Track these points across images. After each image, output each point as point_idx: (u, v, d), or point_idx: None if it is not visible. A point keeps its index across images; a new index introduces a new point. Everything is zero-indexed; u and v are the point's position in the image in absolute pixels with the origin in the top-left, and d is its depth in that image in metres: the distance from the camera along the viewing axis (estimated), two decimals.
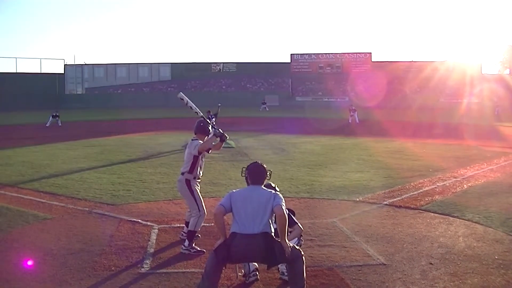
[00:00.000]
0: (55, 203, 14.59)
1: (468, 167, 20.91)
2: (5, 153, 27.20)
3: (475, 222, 12.21)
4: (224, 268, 7.69)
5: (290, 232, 8.56)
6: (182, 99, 11.31)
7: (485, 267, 9.04)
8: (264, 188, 8.01)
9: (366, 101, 78.55)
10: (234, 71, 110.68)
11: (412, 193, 15.65)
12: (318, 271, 8.88)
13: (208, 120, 11.01)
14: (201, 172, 10.75)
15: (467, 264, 9.20)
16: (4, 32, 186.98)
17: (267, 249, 7.41)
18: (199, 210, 10.27)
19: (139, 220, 12.40)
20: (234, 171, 19.34)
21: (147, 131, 40.67)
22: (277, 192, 7.91)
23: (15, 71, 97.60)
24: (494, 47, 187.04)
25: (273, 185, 8.78)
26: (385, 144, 30.73)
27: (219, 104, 33.82)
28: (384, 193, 15.73)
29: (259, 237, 7.43)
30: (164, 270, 9.01)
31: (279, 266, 8.44)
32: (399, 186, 16.77)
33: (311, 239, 10.60)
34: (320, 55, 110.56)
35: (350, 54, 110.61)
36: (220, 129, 10.51)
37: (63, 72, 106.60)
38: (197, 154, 10.32)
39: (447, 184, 17.22)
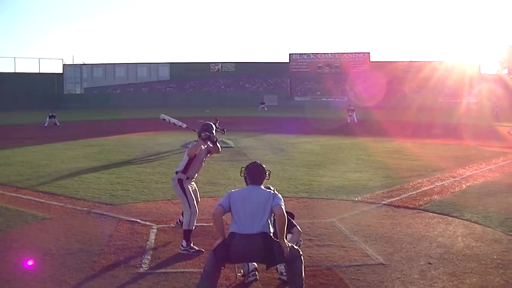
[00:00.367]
0: (54, 203, 14.60)
1: (466, 167, 20.92)
2: (4, 153, 27.19)
3: (474, 222, 12.22)
4: (223, 268, 7.69)
5: (290, 235, 8.58)
6: (164, 119, 11.66)
7: (483, 267, 9.05)
8: (263, 188, 8.02)
9: (364, 101, 78.63)
10: (232, 71, 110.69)
11: (410, 193, 15.66)
12: (317, 271, 8.89)
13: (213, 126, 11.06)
14: (195, 174, 10.80)
15: (466, 264, 9.20)
16: (3, 32, 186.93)
17: (266, 249, 7.43)
18: (190, 208, 10.29)
19: (138, 220, 12.40)
20: (233, 171, 19.35)
21: (146, 131, 40.64)
22: (276, 193, 7.89)
23: (13, 71, 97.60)
24: (492, 47, 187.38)
25: (271, 188, 8.78)
26: (383, 144, 30.74)
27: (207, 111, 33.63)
28: (383, 193, 15.75)
29: (258, 237, 7.44)
30: (163, 270, 9.01)
31: (277, 266, 8.45)
32: (398, 186, 16.78)
33: (310, 239, 10.60)
34: (318, 55, 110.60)
35: (348, 54, 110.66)
36: (213, 133, 10.52)
37: (61, 72, 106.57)
38: (188, 156, 10.40)
39: (446, 184, 17.23)
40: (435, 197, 15.09)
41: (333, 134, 37.16)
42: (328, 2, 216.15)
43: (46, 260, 9.55)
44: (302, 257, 7.66)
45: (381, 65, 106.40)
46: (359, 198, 14.99)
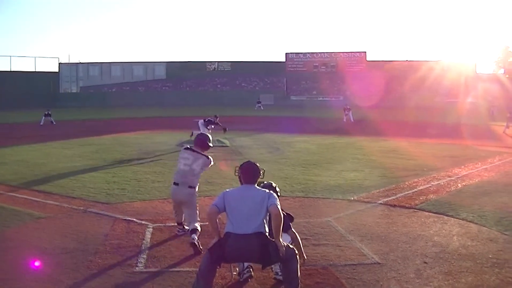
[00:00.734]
0: (49, 202, 14.58)
1: (462, 167, 20.94)
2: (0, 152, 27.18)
3: (470, 221, 12.24)
4: (218, 267, 7.69)
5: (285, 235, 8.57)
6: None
7: (479, 266, 9.07)
8: (258, 187, 8.03)
9: (361, 100, 78.59)
10: (229, 70, 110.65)
11: (406, 192, 15.67)
12: (313, 270, 8.90)
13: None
14: None
15: (461, 263, 9.22)
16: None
17: (262, 249, 7.39)
18: (197, 218, 10.65)
19: (134, 219, 12.40)
20: (229, 170, 19.31)
21: (142, 130, 40.59)
22: (271, 192, 7.88)
23: (9, 70, 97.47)
24: (488, 47, 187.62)
25: (274, 185, 8.80)
26: (379, 143, 30.74)
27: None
28: (379, 192, 15.75)
29: (253, 237, 7.41)
30: (159, 269, 9.02)
31: (273, 265, 8.46)
32: (394, 185, 16.79)
33: (306, 238, 10.58)
34: (315, 54, 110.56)
35: (345, 53, 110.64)
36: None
37: (57, 71, 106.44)
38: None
39: (442, 183, 17.24)
40: (431, 196, 15.11)
41: (329, 134, 37.08)
42: (324, 1, 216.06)
43: (42, 259, 9.54)
44: (297, 256, 7.67)
45: (378, 65, 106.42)
46: (355, 197, 15.00)
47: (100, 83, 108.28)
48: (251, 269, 8.51)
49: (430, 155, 25.12)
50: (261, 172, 8.22)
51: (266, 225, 7.63)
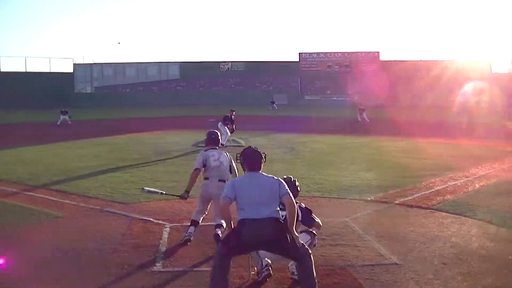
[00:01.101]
0: (66, 201, 14.65)
1: (479, 167, 20.83)
2: (16, 152, 27.29)
3: (488, 222, 12.17)
4: (232, 262, 7.65)
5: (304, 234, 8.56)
6: (150, 191, 11.90)
7: (498, 267, 9.01)
8: (264, 174, 7.94)
9: (374, 100, 78.31)
10: (242, 70, 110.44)
11: (423, 193, 15.60)
12: (330, 270, 8.88)
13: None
14: None
15: (480, 264, 9.17)
16: (14, 31, 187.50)
17: (277, 234, 7.36)
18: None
19: (151, 219, 12.42)
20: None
21: (157, 130, 40.58)
22: (280, 179, 7.82)
23: (24, 70, 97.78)
24: (503, 45, 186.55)
25: (293, 179, 8.80)
26: (395, 143, 30.65)
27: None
28: (396, 192, 15.70)
29: (267, 221, 7.37)
30: (176, 269, 9.03)
31: (289, 265, 8.45)
32: (411, 186, 16.71)
33: (323, 238, 10.55)
34: (328, 53, 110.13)
35: (358, 53, 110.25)
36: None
37: (72, 71, 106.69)
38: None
39: (459, 184, 17.16)
40: (448, 196, 15.04)
41: (343, 133, 37.02)
42: (338, 1, 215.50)
43: (59, 258, 9.58)
44: (311, 256, 7.63)
45: (391, 64, 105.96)
46: (372, 198, 14.96)
47: (115, 83, 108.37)
48: (270, 268, 8.47)
49: (447, 155, 25.00)
50: (263, 156, 8.13)
51: (280, 213, 7.60)
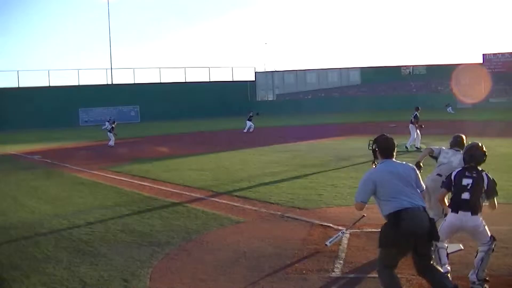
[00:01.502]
0: (248, 207, 15.00)
1: None
2: (200, 159, 28.38)
3: None
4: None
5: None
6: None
7: None
8: (397, 161, 7.76)
9: None
10: (424, 73, 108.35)
11: None
12: None
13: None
14: None
15: None
16: (197, 44, 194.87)
17: (431, 223, 7.15)
18: None
19: (331, 225, 12.42)
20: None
21: (338, 136, 40.57)
22: (414, 167, 7.77)
23: (208, 80, 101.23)
24: None
25: (490, 176, 8.46)
26: None
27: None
28: None
29: (423, 210, 7.19)
30: (355, 275, 8.96)
31: (469, 275, 8.14)
32: None
33: (508, 247, 10.09)
34: None
35: None
36: None
37: (254, 80, 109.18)
38: None
39: None
40: None
41: None
42: None
43: (240, 262, 9.83)
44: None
45: None
46: None
47: (296, 91, 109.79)
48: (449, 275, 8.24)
49: None
50: (396, 145, 7.86)
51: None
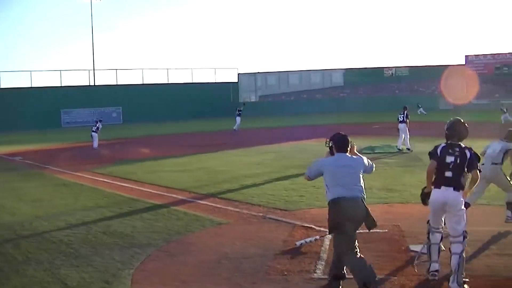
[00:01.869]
0: (230, 208, 15.04)
1: None
2: (182, 160, 28.38)
3: None
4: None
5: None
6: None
7: None
8: (348, 155, 8.75)
9: None
10: (407, 75, 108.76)
11: None
12: (496, 281, 8.53)
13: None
14: None
15: None
16: (180, 44, 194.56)
17: (366, 212, 8.35)
18: None
19: (313, 226, 12.46)
20: (409, 177, 19.04)
21: (321, 137, 40.44)
22: (362, 157, 8.89)
23: (191, 82, 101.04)
24: None
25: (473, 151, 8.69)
26: None
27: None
28: None
29: (360, 200, 8.33)
30: None
31: (450, 285, 8.22)
32: None
33: (489, 248, 10.19)
34: (496, 55, 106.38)
35: None
36: None
37: (237, 81, 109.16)
38: None
39: None
40: None
41: None
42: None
43: (222, 264, 9.84)
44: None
45: None
46: None
47: (278, 92, 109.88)
48: (437, 274, 8.56)
49: None
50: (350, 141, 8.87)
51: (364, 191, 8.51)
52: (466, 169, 8.46)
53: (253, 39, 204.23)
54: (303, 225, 12.60)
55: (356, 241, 8.28)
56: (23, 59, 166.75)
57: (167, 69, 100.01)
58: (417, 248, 10.00)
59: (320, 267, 9.45)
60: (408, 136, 28.91)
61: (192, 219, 13.74)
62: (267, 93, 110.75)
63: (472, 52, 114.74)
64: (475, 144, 9.19)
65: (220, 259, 10.09)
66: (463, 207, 8.44)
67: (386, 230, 11.73)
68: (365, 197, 8.46)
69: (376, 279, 8.03)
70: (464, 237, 8.37)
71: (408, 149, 28.31)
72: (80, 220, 14.21)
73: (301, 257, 10.07)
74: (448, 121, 9.00)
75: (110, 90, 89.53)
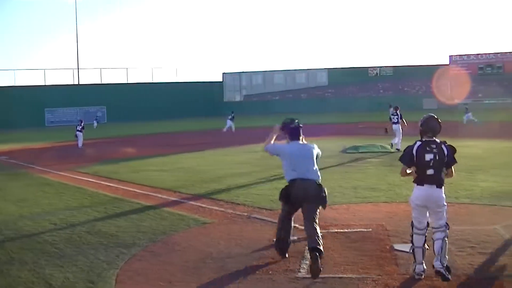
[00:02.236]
0: (215, 208, 15.05)
1: None
2: (167, 159, 28.41)
3: None
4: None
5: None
6: None
7: None
8: (302, 142, 10.68)
9: None
10: (391, 75, 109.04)
11: None
12: (479, 279, 8.59)
13: None
14: None
15: None
16: (165, 43, 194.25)
17: (318, 191, 9.87)
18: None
19: (297, 225, 12.46)
20: (394, 176, 19.10)
21: (305, 137, 40.52)
22: (314, 145, 10.66)
23: (176, 81, 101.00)
24: None
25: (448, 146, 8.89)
26: None
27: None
28: None
29: (312, 181, 9.94)
30: (321, 275, 8.96)
31: (434, 263, 8.47)
32: None
33: (472, 246, 10.23)
34: (479, 55, 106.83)
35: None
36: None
37: (221, 81, 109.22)
38: None
39: None
40: None
41: (498, 138, 35.35)
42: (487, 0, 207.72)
43: (206, 263, 9.85)
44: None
45: None
46: None
47: (263, 91, 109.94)
48: (423, 274, 8.64)
49: None
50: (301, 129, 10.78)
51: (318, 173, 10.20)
52: (445, 165, 8.67)
53: (238, 38, 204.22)
54: None
55: (317, 213, 9.98)
56: (7, 58, 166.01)
57: (152, 68, 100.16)
58: (401, 247, 10.08)
59: (305, 266, 9.46)
60: (401, 137, 28.92)
61: (177, 219, 13.74)
62: (252, 93, 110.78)
63: (456, 52, 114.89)
64: (456, 143, 9.24)
65: (205, 259, 10.10)
66: (445, 202, 8.66)
67: (371, 230, 11.79)
68: (319, 179, 10.12)
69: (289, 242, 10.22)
70: (446, 228, 8.68)
71: (397, 149, 28.40)
72: (65, 219, 14.19)
73: (286, 257, 10.09)
74: (421, 118, 9.12)
75: (94, 89, 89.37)
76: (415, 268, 8.70)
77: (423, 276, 8.60)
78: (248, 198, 16.25)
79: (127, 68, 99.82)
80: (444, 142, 8.83)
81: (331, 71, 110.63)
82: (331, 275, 8.94)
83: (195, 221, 13.44)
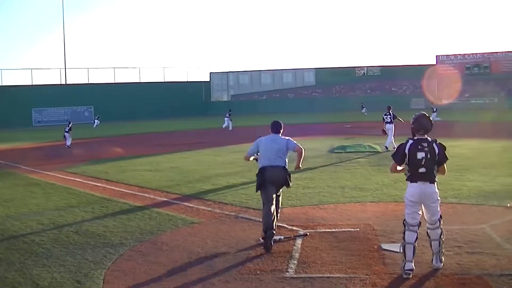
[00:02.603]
0: (202, 207, 15.05)
1: None
2: (155, 159, 28.34)
3: None
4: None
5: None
6: None
7: None
8: (280, 136, 12.19)
9: None
10: (378, 74, 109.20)
11: None
12: (467, 279, 8.59)
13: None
14: None
15: None
16: (152, 44, 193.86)
17: (285, 177, 11.33)
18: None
19: (285, 225, 12.50)
20: (381, 176, 19.13)
21: (293, 137, 40.50)
22: (289, 139, 11.99)
23: (163, 80, 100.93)
24: None
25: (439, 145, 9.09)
26: None
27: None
28: None
29: (281, 168, 11.40)
30: (309, 275, 9.01)
31: (434, 264, 8.78)
32: None
33: (459, 246, 10.27)
34: (466, 55, 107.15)
35: (499, 53, 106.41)
36: None
37: (209, 80, 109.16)
38: None
39: None
40: None
41: (485, 137, 35.39)
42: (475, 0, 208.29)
43: (194, 263, 9.85)
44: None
45: None
46: None
47: (251, 91, 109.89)
48: (411, 273, 8.72)
49: None
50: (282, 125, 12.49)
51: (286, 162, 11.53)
52: (437, 163, 8.89)
53: (226, 38, 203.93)
54: (276, 224, 12.60)
55: (274, 196, 11.34)
56: None
57: (139, 67, 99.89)
58: (389, 247, 10.11)
59: (293, 266, 9.47)
60: (393, 137, 28.93)
61: (165, 219, 13.74)
62: (239, 92, 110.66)
63: (443, 52, 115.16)
64: (444, 143, 9.26)
65: (192, 259, 10.10)
66: (438, 197, 8.95)
67: (358, 229, 11.81)
68: (286, 166, 11.53)
69: (274, 231, 10.83)
70: (440, 222, 9.01)
71: (386, 147, 28.44)
72: (52, 220, 14.15)
73: (273, 256, 10.09)
74: (413, 116, 9.21)
75: (82, 89, 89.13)
76: (404, 266, 8.72)
77: (411, 275, 8.62)
78: (236, 198, 16.25)
79: (114, 68, 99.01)
80: (435, 141, 9.01)
81: (318, 71, 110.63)
82: (319, 275, 8.96)
83: (183, 221, 13.44)
